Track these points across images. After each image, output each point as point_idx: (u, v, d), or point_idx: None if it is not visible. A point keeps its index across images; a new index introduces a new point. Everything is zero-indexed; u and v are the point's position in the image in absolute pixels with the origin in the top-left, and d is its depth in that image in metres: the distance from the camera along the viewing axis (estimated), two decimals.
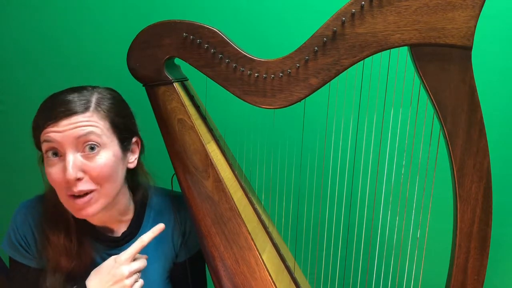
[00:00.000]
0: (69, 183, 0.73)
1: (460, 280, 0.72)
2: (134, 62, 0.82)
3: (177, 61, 0.85)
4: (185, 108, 0.83)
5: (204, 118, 0.90)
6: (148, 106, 0.85)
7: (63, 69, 1.29)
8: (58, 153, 0.74)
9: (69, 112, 0.73)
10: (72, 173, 0.72)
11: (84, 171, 0.74)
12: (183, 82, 0.88)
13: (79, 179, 0.73)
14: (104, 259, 0.82)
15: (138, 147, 0.86)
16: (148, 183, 0.91)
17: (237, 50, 0.77)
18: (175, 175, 0.85)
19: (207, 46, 0.78)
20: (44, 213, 0.83)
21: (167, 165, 0.85)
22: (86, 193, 0.75)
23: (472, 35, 0.65)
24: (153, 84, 0.83)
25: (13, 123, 1.36)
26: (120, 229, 0.87)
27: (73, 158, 0.73)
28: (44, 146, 0.74)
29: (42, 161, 0.80)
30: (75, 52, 1.27)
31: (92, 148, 0.74)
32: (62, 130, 0.73)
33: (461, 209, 0.70)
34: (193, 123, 0.83)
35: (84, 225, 0.83)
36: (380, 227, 0.92)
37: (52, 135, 0.73)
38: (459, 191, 0.70)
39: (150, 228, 0.88)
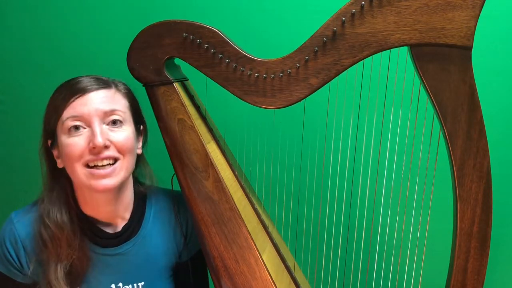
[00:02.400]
0: (97, 150, 0.75)
1: (460, 280, 0.72)
2: (134, 62, 0.82)
3: (177, 61, 0.85)
4: (185, 108, 0.83)
5: (204, 118, 0.90)
6: (148, 106, 0.85)
7: (63, 69, 1.28)
8: (80, 127, 0.76)
9: (97, 87, 0.78)
10: (101, 139, 0.75)
11: (109, 141, 0.77)
12: (183, 82, 0.88)
13: (106, 147, 0.76)
14: (102, 260, 0.82)
15: (141, 135, 0.88)
16: (148, 181, 0.91)
17: (237, 50, 0.77)
18: (175, 175, 0.85)
19: (207, 46, 0.78)
20: (46, 208, 0.82)
21: (167, 165, 0.85)
22: (109, 164, 0.77)
23: (472, 35, 0.65)
24: (153, 84, 0.83)
25: (13, 123, 1.36)
26: (120, 225, 0.87)
27: (100, 127, 0.76)
28: (68, 123, 0.76)
29: (44, 151, 0.81)
30: (75, 52, 1.27)
31: (114, 123, 0.78)
32: (91, 103, 0.76)
33: (461, 209, 0.70)
34: (193, 123, 0.83)
35: (86, 223, 0.83)
36: (380, 227, 0.92)
37: (80, 108, 0.76)
38: (459, 191, 0.70)
39: (151, 224, 0.89)
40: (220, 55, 0.78)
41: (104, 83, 0.80)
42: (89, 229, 0.84)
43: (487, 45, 1.03)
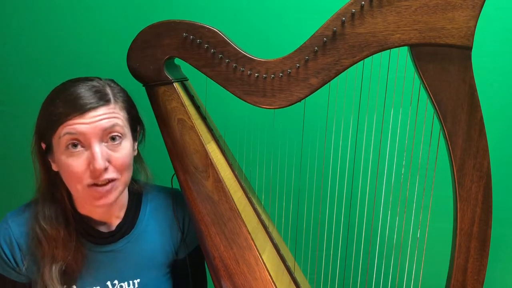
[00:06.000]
0: (97, 173, 0.74)
1: (460, 280, 0.72)
2: (134, 62, 0.82)
3: (177, 61, 0.85)
4: (185, 108, 0.83)
5: (204, 118, 0.90)
6: (148, 106, 0.85)
7: (63, 69, 1.29)
8: (78, 145, 0.74)
9: (96, 104, 0.74)
10: (101, 163, 0.73)
11: (109, 161, 0.76)
12: (183, 82, 0.88)
13: (105, 169, 0.75)
14: (97, 257, 0.82)
15: (138, 134, 0.87)
16: (144, 178, 0.91)
17: (237, 50, 0.77)
18: (175, 175, 0.85)
19: (207, 46, 0.78)
20: (41, 209, 0.82)
21: (167, 165, 0.85)
22: (108, 181, 0.76)
23: (472, 35, 0.65)
24: (153, 84, 0.83)
25: (13, 123, 1.36)
26: (114, 224, 0.87)
27: (100, 149, 0.74)
28: (65, 139, 0.74)
29: (37, 153, 0.80)
30: (75, 52, 1.28)
31: (113, 139, 0.76)
32: (89, 122, 0.73)
33: (461, 209, 0.70)
34: (193, 123, 0.83)
35: (80, 222, 0.83)
36: (380, 227, 0.92)
37: (78, 127, 0.73)
38: (459, 191, 0.70)
39: (146, 221, 0.89)
40: (220, 55, 0.78)
41: (103, 98, 0.76)
42: (84, 228, 0.84)
43: (487, 45, 1.03)
